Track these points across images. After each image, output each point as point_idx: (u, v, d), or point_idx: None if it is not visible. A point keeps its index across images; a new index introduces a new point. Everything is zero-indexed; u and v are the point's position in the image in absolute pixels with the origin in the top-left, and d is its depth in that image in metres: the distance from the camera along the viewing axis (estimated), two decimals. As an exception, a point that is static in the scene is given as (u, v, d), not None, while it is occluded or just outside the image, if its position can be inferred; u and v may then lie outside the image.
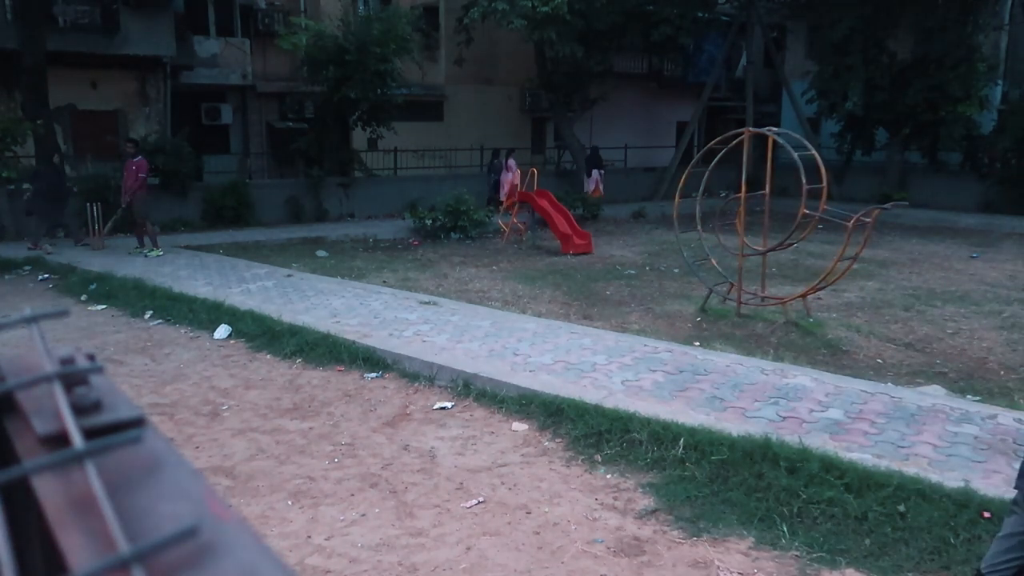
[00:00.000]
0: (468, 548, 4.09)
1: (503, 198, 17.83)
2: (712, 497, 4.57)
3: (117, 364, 7.18)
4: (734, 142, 8.88)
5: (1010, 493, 3.26)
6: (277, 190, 17.92)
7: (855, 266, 9.27)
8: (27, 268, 11.88)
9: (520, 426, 5.69)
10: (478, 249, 14.34)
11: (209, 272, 11.24)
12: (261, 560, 0.41)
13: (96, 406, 0.52)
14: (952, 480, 4.45)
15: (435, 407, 6.11)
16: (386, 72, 16.69)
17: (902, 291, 10.59)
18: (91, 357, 0.58)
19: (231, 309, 8.69)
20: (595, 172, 21.89)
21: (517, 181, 17.75)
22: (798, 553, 4.02)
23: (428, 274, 11.61)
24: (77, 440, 0.47)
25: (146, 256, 12.50)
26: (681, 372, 6.53)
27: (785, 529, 4.21)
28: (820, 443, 4.94)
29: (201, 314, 8.68)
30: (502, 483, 4.84)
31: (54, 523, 0.42)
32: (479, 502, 4.58)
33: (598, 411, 5.54)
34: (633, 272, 11.98)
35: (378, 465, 5.10)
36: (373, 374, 6.88)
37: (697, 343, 7.73)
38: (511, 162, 18.70)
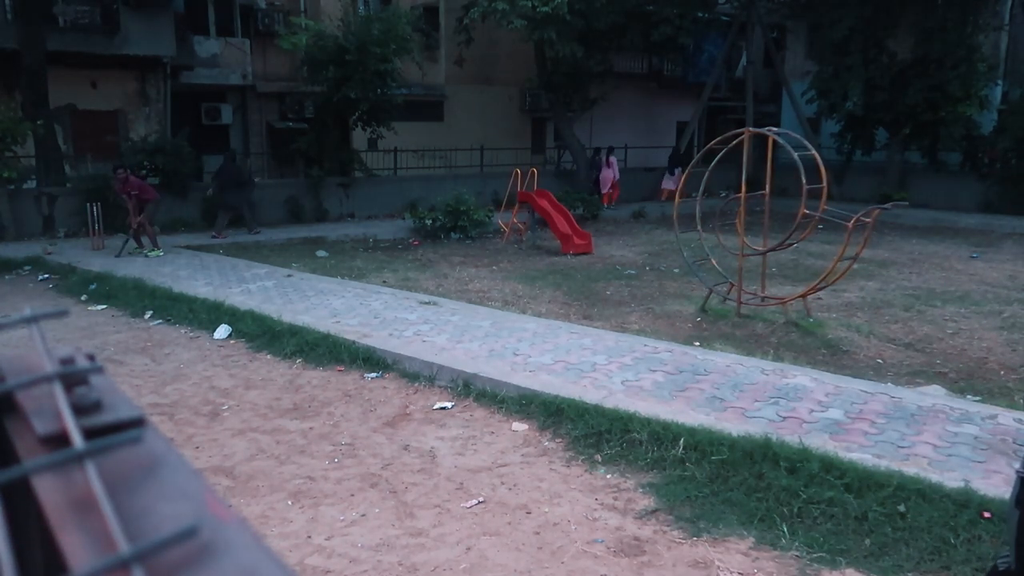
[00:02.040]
0: (468, 548, 4.09)
1: (603, 191, 20.24)
2: (712, 497, 4.57)
3: (117, 364, 7.18)
4: (734, 142, 8.88)
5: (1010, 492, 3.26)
6: (277, 190, 17.91)
7: (855, 266, 9.27)
8: (27, 268, 11.89)
9: (520, 426, 5.69)
10: (478, 249, 14.34)
11: (209, 272, 11.24)
12: (261, 560, 0.41)
13: (96, 406, 0.52)
14: (952, 480, 4.45)
15: (435, 407, 6.11)
16: (386, 72, 16.68)
17: (902, 291, 10.59)
18: (91, 357, 0.58)
19: (231, 309, 8.69)
20: (677, 171, 21.82)
21: (616, 176, 20.04)
22: (798, 553, 4.02)
23: (428, 274, 11.62)
24: (77, 440, 0.47)
25: (147, 256, 12.51)
26: (681, 372, 6.53)
27: (785, 529, 4.21)
28: (820, 443, 4.94)
29: (201, 314, 8.69)
30: (502, 483, 4.84)
31: (54, 523, 0.42)
32: (479, 502, 4.58)
33: (598, 411, 5.54)
34: (633, 272, 11.98)
35: (378, 465, 5.10)
36: (373, 374, 6.88)
37: (697, 343, 7.73)
38: (612, 159, 19.69)
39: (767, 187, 8.70)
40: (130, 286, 9.93)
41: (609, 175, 20.88)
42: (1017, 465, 2.86)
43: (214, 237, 14.67)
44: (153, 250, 12.72)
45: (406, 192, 18.93)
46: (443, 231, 15.51)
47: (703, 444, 4.97)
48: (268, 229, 16.13)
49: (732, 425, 5.28)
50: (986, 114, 21.11)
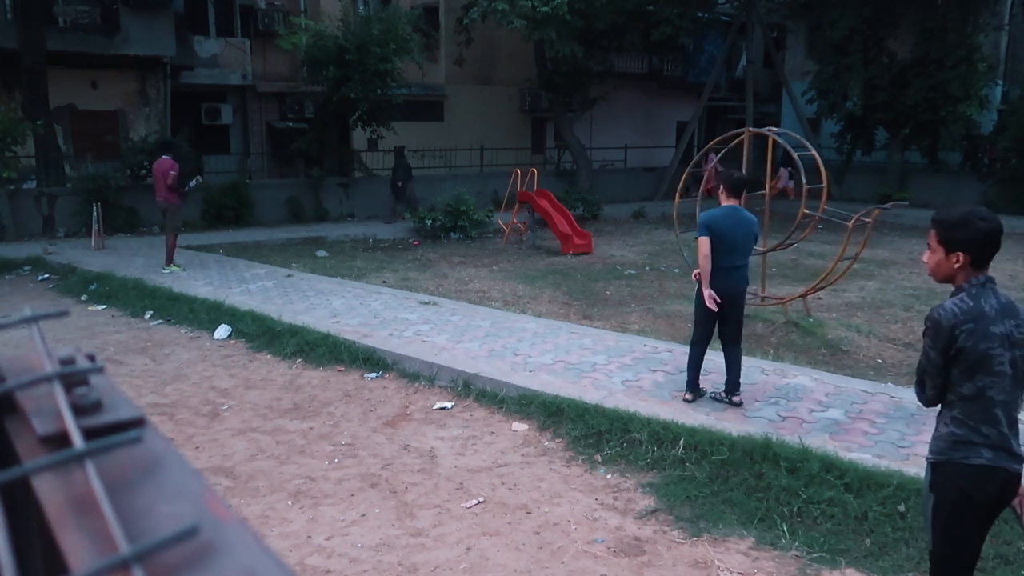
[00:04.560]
0: (468, 548, 4.09)
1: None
2: (712, 497, 4.57)
3: (117, 364, 7.18)
4: (734, 142, 8.88)
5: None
6: (277, 190, 17.91)
7: (855, 266, 9.27)
8: (27, 268, 11.88)
9: (520, 426, 5.69)
10: (478, 249, 14.34)
11: (209, 272, 11.24)
12: (261, 560, 0.41)
13: (96, 406, 0.52)
14: (952, 480, 4.44)
15: (435, 407, 6.11)
16: (386, 72, 16.68)
17: (902, 291, 10.58)
18: (91, 357, 0.58)
19: (231, 309, 8.69)
20: (785, 170, 21.71)
21: (710, 173, 20.74)
22: (798, 553, 4.02)
23: (428, 274, 11.61)
24: (77, 440, 0.47)
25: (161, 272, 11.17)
26: (681, 372, 6.52)
27: (785, 529, 4.21)
28: (820, 443, 4.94)
29: (201, 314, 8.68)
30: (502, 483, 4.84)
31: (54, 523, 0.42)
32: (479, 502, 4.58)
33: (598, 411, 5.54)
34: (633, 272, 11.98)
35: (378, 465, 5.10)
36: (373, 374, 6.88)
37: (697, 343, 7.71)
38: (712, 156, 21.16)
39: (767, 187, 8.70)
40: (130, 286, 9.93)
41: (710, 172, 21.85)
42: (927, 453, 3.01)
43: (388, 223, 16.91)
44: (169, 267, 11.30)
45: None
46: (443, 231, 15.51)
47: (703, 444, 4.97)
48: (268, 229, 16.16)
49: (732, 425, 5.28)
50: (986, 114, 21.10)
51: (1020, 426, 2.90)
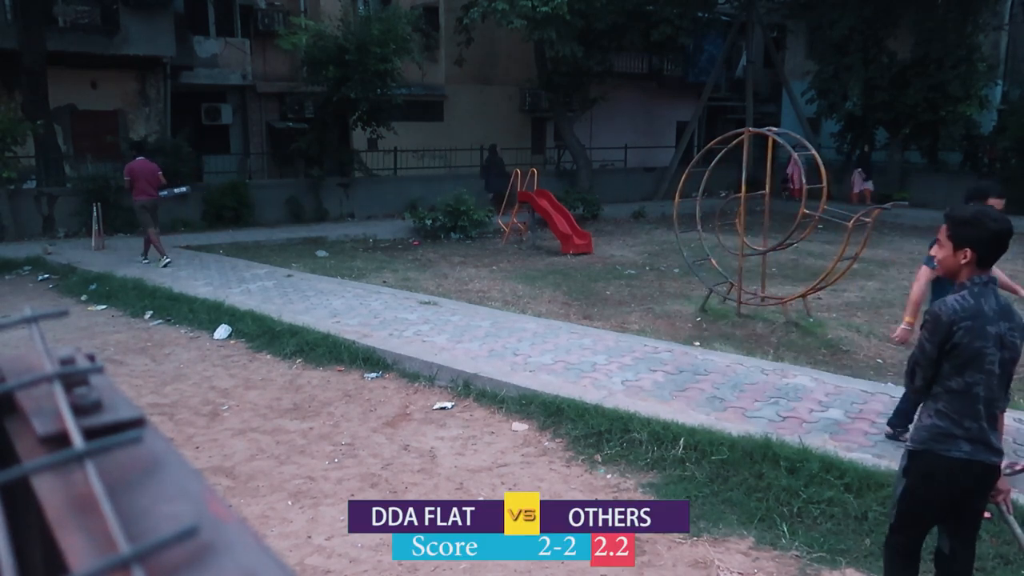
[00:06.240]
0: (468, 548, 4.09)
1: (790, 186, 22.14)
2: (712, 497, 4.57)
3: (117, 364, 7.18)
4: (734, 142, 8.88)
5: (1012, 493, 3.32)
6: (277, 190, 17.92)
7: (855, 266, 9.27)
8: (27, 268, 11.88)
9: (520, 426, 5.69)
10: (478, 249, 14.34)
11: (209, 272, 11.24)
12: (261, 560, 0.41)
13: (96, 406, 0.52)
14: (952, 480, 4.44)
15: (435, 407, 6.11)
16: (386, 72, 16.68)
17: (902, 291, 10.57)
18: (91, 357, 0.58)
19: (231, 309, 8.69)
20: (857, 172, 21.80)
21: (796, 173, 21.19)
22: (798, 553, 4.02)
23: (428, 274, 11.61)
24: (77, 440, 0.47)
25: (164, 266, 11.46)
26: (681, 372, 6.53)
27: (785, 529, 4.21)
28: (820, 443, 4.94)
29: (201, 314, 8.69)
30: (502, 483, 4.84)
31: (54, 523, 0.42)
32: (479, 502, 4.58)
33: (598, 411, 5.54)
34: (633, 272, 11.98)
35: (378, 465, 5.10)
36: (373, 374, 6.88)
37: (697, 343, 7.73)
38: (795, 155, 21.47)
39: (767, 187, 8.70)
40: (130, 286, 9.93)
41: (794, 172, 21.82)
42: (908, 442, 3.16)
43: (491, 214, 16.46)
44: (161, 259, 11.60)
45: (406, 192, 18.92)
46: (443, 231, 15.51)
47: (703, 444, 4.97)
48: (268, 229, 16.16)
49: (732, 425, 5.28)
50: (986, 114, 21.10)
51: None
